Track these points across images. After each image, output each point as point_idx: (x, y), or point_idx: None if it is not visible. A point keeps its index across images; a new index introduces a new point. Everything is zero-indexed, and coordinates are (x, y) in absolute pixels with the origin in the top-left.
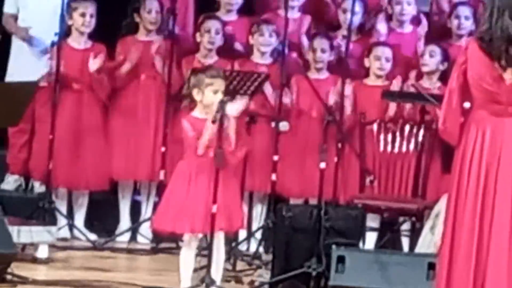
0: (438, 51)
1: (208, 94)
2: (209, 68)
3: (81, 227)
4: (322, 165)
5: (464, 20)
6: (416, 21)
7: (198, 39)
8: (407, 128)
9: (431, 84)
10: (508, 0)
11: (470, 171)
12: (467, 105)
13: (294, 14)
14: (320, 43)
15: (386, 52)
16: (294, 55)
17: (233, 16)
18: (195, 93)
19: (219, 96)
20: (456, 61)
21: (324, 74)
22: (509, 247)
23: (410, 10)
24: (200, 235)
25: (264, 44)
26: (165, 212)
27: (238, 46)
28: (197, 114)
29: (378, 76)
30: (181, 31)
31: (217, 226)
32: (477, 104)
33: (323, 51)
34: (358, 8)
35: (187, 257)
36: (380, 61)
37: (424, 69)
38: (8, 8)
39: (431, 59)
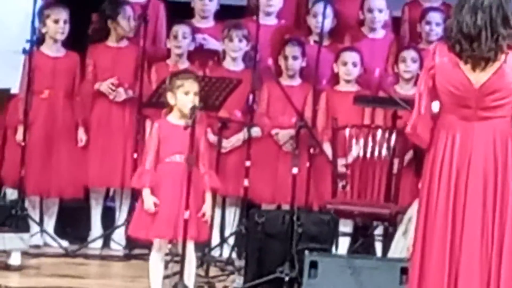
0: (417, 57)
1: (180, 96)
2: (183, 71)
3: (53, 234)
4: (295, 170)
5: (435, 26)
6: (388, 26)
7: (169, 45)
8: (379, 133)
9: (409, 90)
10: None
11: (440, 176)
12: (435, 109)
13: (270, 21)
14: (292, 50)
15: (353, 57)
16: (270, 61)
17: (209, 23)
18: (169, 97)
19: (191, 97)
20: (424, 66)
21: (297, 81)
22: (480, 250)
23: (382, 17)
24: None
25: (233, 49)
26: (138, 219)
27: (211, 45)
28: (171, 118)
29: (347, 81)
30: (152, 39)
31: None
32: (446, 108)
33: (294, 58)
34: (328, 11)
35: (156, 262)
36: (346, 66)
37: (407, 76)
38: None
39: (414, 64)
